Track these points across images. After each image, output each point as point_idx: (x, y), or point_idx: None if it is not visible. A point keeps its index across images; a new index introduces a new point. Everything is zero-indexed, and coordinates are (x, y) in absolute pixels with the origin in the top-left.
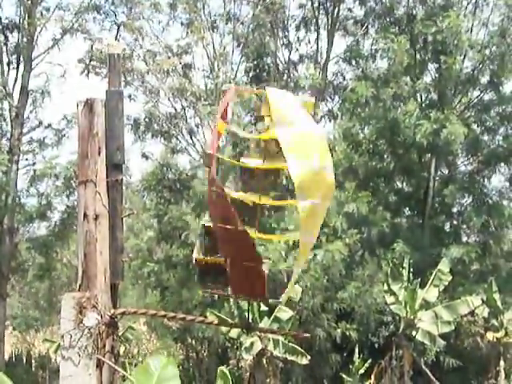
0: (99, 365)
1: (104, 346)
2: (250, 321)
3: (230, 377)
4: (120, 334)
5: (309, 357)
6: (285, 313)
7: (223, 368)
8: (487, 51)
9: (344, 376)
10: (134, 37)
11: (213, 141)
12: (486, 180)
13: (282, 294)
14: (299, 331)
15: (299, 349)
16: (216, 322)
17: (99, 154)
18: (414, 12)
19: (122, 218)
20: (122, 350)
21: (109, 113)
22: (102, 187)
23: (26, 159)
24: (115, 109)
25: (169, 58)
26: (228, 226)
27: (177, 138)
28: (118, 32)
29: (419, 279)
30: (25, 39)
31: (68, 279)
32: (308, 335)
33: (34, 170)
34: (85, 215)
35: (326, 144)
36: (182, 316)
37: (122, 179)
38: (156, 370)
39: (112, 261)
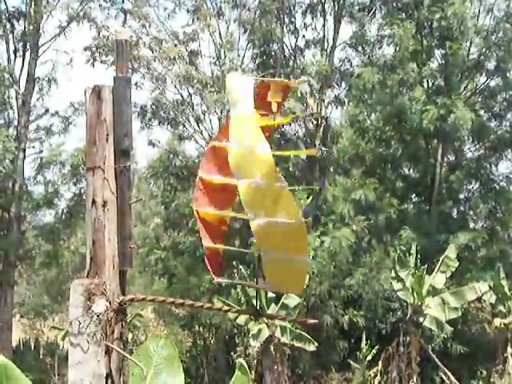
0: (108, 351)
1: (113, 332)
2: (258, 307)
3: (247, 369)
4: (127, 321)
5: (316, 343)
6: (292, 299)
7: (241, 360)
8: (493, 37)
9: (351, 362)
10: (139, 24)
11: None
12: (492, 166)
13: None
14: (307, 318)
15: (306, 335)
16: (225, 308)
17: (107, 140)
18: None
19: (130, 205)
20: (129, 337)
21: (117, 99)
22: (110, 174)
23: (33, 147)
24: (123, 95)
25: (175, 45)
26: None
27: (183, 126)
28: (125, 19)
29: (426, 265)
30: (31, 27)
31: (75, 267)
32: (316, 321)
33: (41, 158)
34: (93, 202)
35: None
36: (191, 302)
37: (130, 166)
38: (155, 352)
39: (120, 247)
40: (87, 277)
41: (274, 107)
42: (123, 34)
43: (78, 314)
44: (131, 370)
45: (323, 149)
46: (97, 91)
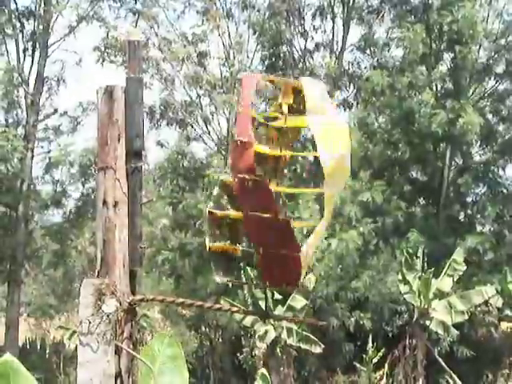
0: (117, 351)
1: (122, 332)
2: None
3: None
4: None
5: (322, 346)
6: (299, 302)
7: (263, 370)
8: (502, 41)
9: (357, 365)
10: (149, 24)
11: (246, 125)
12: (500, 170)
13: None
14: (315, 319)
15: (313, 337)
16: (234, 309)
17: (119, 140)
18: (430, 1)
19: (140, 205)
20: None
21: (129, 100)
22: (121, 174)
23: (42, 146)
24: (135, 95)
25: (184, 46)
26: (266, 215)
27: (192, 126)
28: (137, 19)
29: (433, 269)
30: (41, 26)
31: (82, 267)
32: (325, 322)
33: (50, 158)
34: (104, 202)
35: (348, 133)
36: (200, 303)
37: (141, 166)
38: (160, 351)
39: (131, 247)
40: (97, 276)
41: (285, 109)
42: (135, 34)
43: (88, 313)
44: (140, 370)
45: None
46: (109, 91)
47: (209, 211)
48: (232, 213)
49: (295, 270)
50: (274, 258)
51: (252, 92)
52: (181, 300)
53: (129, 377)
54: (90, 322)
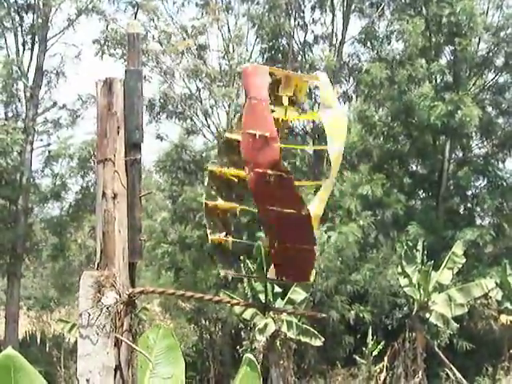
0: (117, 344)
1: (122, 324)
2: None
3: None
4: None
5: (322, 338)
6: (299, 294)
7: (249, 355)
8: (502, 33)
9: (357, 358)
10: (148, 17)
11: (267, 118)
12: (500, 162)
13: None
14: (315, 312)
15: (313, 330)
16: (234, 301)
17: (118, 133)
18: None
19: (140, 198)
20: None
21: (128, 92)
22: (120, 166)
23: (41, 140)
24: (134, 88)
25: (184, 39)
26: (287, 210)
27: (191, 120)
28: (137, 11)
29: (433, 261)
30: (40, 20)
31: (82, 260)
32: (325, 315)
33: (49, 151)
34: (103, 194)
35: (344, 126)
36: (200, 295)
37: (140, 158)
38: (155, 342)
39: (130, 240)
40: (97, 269)
41: (285, 101)
42: (135, 27)
43: (88, 305)
44: (140, 363)
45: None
46: (108, 84)
47: (205, 203)
48: (222, 203)
49: (310, 264)
50: (290, 252)
51: (265, 83)
52: (181, 292)
53: (128, 369)
54: (89, 315)
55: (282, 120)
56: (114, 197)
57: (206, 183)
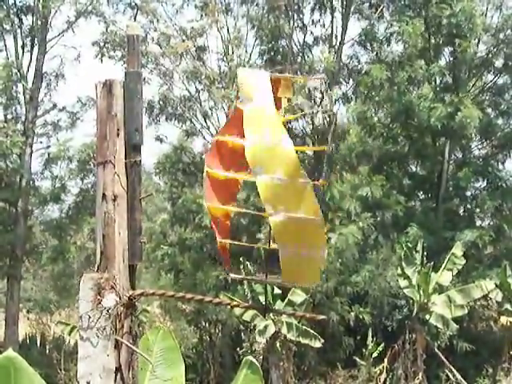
0: (117, 346)
1: (122, 327)
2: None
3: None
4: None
5: (322, 340)
6: (298, 296)
7: (250, 357)
8: (501, 35)
9: (357, 359)
10: (148, 19)
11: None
12: (500, 164)
13: None
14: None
15: (312, 332)
16: (234, 303)
17: (118, 135)
18: None
19: (140, 200)
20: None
21: (128, 94)
22: (120, 168)
23: (41, 142)
24: (134, 90)
25: (183, 40)
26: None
27: (191, 121)
28: (136, 13)
29: (433, 263)
30: (39, 22)
31: (82, 262)
32: (325, 317)
33: (48, 153)
34: (103, 196)
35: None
36: (200, 297)
37: (140, 160)
38: (155, 343)
39: (130, 242)
40: (97, 271)
41: (285, 103)
42: (134, 28)
43: (88, 308)
44: (140, 365)
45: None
46: (108, 86)
47: (205, 171)
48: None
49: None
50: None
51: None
52: (181, 294)
53: (128, 371)
54: (89, 317)
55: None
56: (114, 199)
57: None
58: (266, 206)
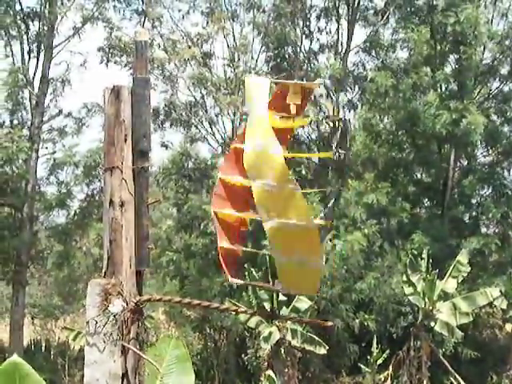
0: (124, 351)
1: (129, 332)
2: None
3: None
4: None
5: (327, 347)
6: (303, 303)
7: (270, 372)
8: (507, 42)
9: (362, 366)
10: (154, 25)
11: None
12: (505, 171)
13: None
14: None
15: (317, 339)
16: (240, 310)
17: (125, 141)
18: (435, 2)
19: (147, 206)
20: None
21: (135, 100)
22: (128, 174)
23: (46, 148)
24: (142, 96)
25: (189, 46)
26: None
27: (196, 127)
28: (144, 19)
29: (438, 270)
30: (45, 28)
31: (87, 267)
32: (331, 323)
33: (54, 159)
34: (111, 202)
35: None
36: (206, 303)
37: (148, 166)
38: (167, 352)
39: (137, 248)
40: (104, 277)
41: (293, 109)
42: (143, 34)
43: (95, 313)
44: (146, 370)
45: (340, 151)
46: (116, 91)
47: (214, 212)
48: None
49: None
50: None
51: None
52: (187, 300)
53: (135, 377)
54: (96, 322)
55: (287, 129)
56: (122, 205)
57: (214, 190)
58: (259, 212)
